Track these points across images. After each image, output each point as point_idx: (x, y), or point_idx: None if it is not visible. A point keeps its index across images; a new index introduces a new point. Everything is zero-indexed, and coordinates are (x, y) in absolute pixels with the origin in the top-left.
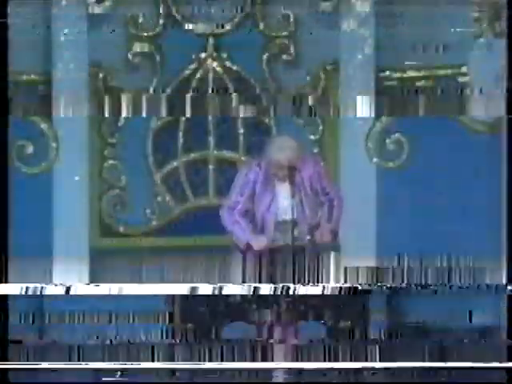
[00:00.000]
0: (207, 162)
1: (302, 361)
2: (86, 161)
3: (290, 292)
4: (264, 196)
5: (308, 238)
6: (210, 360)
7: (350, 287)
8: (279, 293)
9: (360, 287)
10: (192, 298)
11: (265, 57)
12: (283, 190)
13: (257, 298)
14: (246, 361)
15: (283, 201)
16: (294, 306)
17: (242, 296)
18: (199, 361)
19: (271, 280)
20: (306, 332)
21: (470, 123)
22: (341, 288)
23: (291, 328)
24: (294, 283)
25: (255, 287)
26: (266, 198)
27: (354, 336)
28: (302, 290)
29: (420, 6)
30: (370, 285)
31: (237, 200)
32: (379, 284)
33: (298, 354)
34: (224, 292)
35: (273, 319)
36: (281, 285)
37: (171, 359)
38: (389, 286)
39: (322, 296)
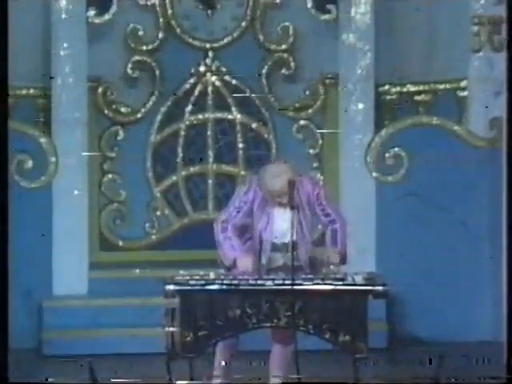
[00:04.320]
0: (206, 176)
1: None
2: (86, 175)
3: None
4: (261, 217)
5: (306, 260)
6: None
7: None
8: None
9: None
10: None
11: (264, 70)
12: (281, 213)
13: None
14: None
15: (281, 223)
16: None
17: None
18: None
19: None
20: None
21: (470, 138)
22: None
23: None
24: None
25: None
26: (264, 219)
27: None
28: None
29: (420, 21)
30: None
31: (233, 215)
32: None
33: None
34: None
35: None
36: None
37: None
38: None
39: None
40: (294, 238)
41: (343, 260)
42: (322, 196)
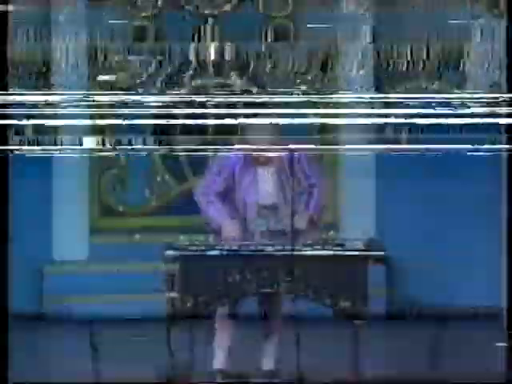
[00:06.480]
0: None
1: None
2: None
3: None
4: (244, 179)
5: (287, 223)
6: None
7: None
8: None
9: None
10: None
11: (264, 37)
12: (264, 174)
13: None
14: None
15: (264, 185)
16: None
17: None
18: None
19: None
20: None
21: (470, 103)
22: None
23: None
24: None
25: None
26: (246, 182)
27: None
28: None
29: None
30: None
31: (213, 180)
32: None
33: None
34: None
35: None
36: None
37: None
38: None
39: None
40: (284, 202)
41: (313, 225)
42: (303, 159)
